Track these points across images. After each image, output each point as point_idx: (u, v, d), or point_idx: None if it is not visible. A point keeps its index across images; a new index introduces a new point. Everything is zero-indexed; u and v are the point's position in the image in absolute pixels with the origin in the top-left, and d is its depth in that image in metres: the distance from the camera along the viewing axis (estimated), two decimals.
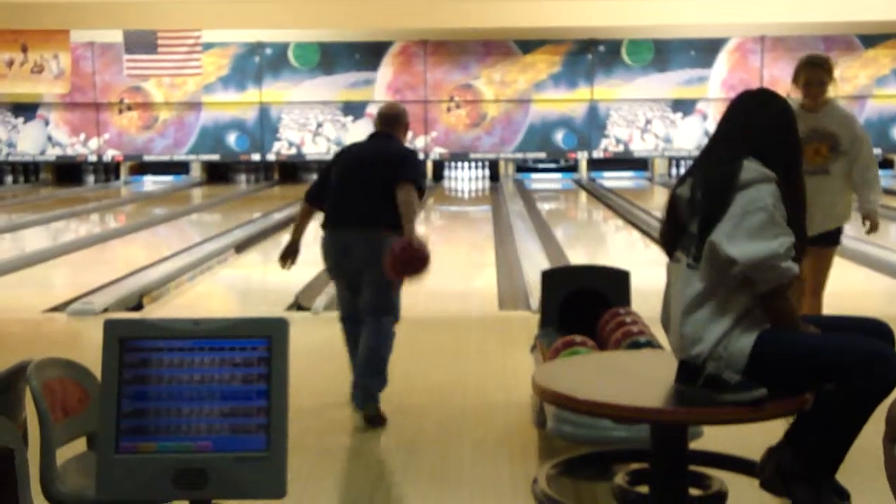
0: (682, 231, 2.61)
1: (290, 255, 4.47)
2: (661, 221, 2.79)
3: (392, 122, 4.42)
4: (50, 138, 17.60)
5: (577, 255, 9.09)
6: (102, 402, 1.74)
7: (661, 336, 3.50)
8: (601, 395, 2.44)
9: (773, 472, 2.56)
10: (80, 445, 2.51)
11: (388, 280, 4.18)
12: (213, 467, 1.75)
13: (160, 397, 1.77)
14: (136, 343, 1.76)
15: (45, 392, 2.34)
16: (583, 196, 16.07)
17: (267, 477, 1.78)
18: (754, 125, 2.60)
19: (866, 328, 2.64)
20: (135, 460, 1.73)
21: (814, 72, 4.51)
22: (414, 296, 5.47)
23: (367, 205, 4.20)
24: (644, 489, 2.72)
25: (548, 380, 2.61)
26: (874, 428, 2.47)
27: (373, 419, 4.15)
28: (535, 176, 17.78)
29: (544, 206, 13.81)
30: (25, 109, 17.44)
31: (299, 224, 4.49)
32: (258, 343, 1.80)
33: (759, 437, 2.79)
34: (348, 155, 4.45)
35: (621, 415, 2.51)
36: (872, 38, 16.84)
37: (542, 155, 17.55)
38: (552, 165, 17.97)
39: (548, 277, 4.39)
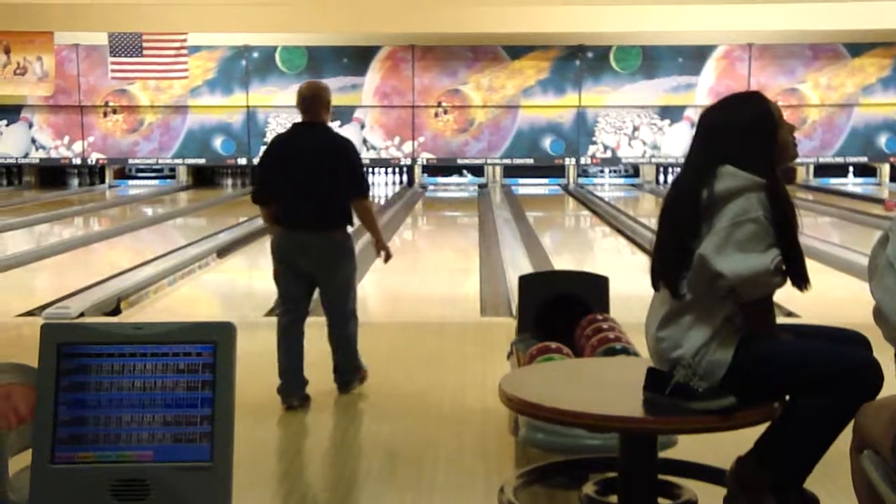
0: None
1: None
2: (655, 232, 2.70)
3: (314, 104, 4.36)
4: (34, 141, 17.49)
5: (563, 262, 9.05)
6: (38, 410, 1.68)
7: (639, 343, 3.46)
8: (567, 403, 2.39)
9: (735, 485, 2.52)
10: None
11: (348, 280, 4.43)
12: (154, 478, 1.69)
13: (99, 405, 1.70)
14: (74, 349, 1.70)
15: None
16: (570, 202, 16.05)
17: (210, 488, 1.71)
18: (728, 129, 2.53)
19: (844, 339, 2.60)
20: (71, 471, 1.67)
21: None
22: (397, 301, 5.42)
23: (321, 205, 4.31)
24: (613, 499, 2.68)
25: (514, 387, 2.56)
26: (843, 436, 2.44)
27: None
28: (521, 181, 17.78)
29: (531, 212, 13.78)
30: (8, 111, 17.33)
31: (271, 225, 4.52)
32: (203, 348, 1.73)
33: (734, 446, 2.75)
34: (285, 150, 4.43)
35: (585, 423, 2.46)
36: (859, 47, 16.88)
37: (530, 161, 17.54)
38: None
39: (525, 283, 4.33)
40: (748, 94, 2.67)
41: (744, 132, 2.51)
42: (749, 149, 2.51)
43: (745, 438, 2.58)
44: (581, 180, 17.86)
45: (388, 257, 4.63)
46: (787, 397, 2.52)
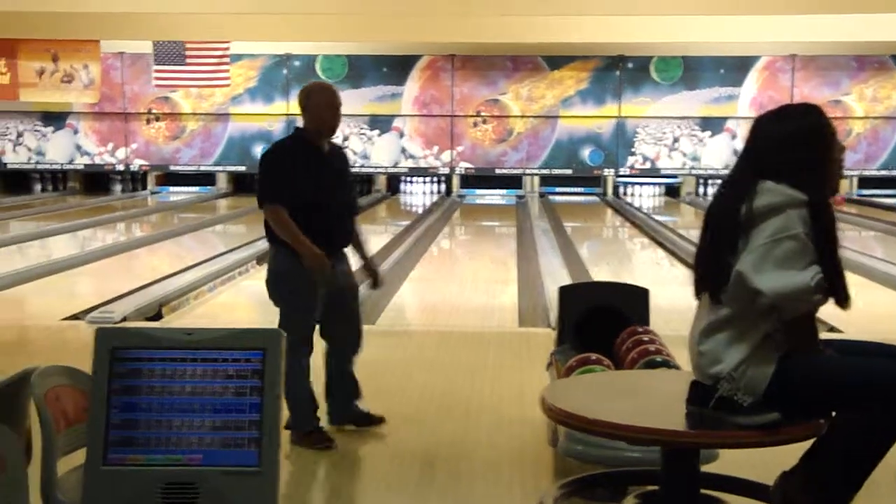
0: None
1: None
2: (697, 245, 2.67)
3: (301, 107, 4.00)
4: (78, 147, 17.79)
5: (601, 273, 9.01)
6: (91, 413, 1.71)
7: (680, 356, 3.44)
8: (609, 415, 2.38)
9: (779, 501, 2.49)
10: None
11: (277, 299, 4.06)
12: (204, 481, 1.71)
13: (150, 409, 1.73)
14: (127, 353, 1.73)
15: (49, 400, 2.30)
16: (608, 213, 15.98)
17: (258, 493, 1.73)
18: (776, 141, 2.50)
19: (887, 354, 2.56)
20: (122, 473, 1.69)
21: None
22: (435, 310, 5.42)
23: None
24: None
25: (556, 398, 2.56)
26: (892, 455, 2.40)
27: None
28: (559, 189, 17.74)
29: (569, 223, 13.74)
30: (55, 118, 17.65)
31: None
32: (252, 355, 1.76)
33: (778, 462, 2.72)
34: None
35: (628, 435, 2.45)
36: None
37: (569, 172, 17.49)
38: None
39: (565, 293, 4.33)
40: (803, 107, 2.62)
41: (791, 146, 2.48)
42: (794, 163, 2.47)
43: (789, 454, 2.55)
44: (619, 180, 17.72)
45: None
46: (833, 413, 2.49)
